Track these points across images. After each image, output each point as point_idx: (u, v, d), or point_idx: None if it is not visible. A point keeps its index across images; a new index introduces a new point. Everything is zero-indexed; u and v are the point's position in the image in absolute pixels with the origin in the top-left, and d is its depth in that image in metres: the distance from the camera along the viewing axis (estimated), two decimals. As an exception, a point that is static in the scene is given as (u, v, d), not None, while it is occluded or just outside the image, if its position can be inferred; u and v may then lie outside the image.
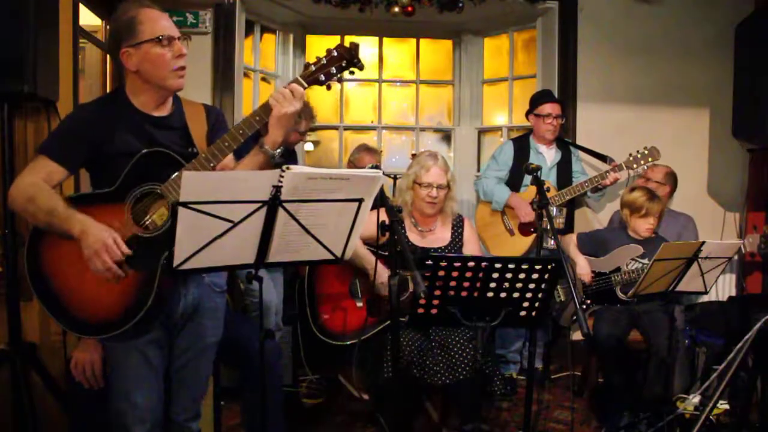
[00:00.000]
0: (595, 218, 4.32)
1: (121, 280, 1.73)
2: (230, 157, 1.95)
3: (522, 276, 2.11)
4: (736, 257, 3.83)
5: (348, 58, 1.87)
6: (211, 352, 2.06)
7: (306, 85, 1.87)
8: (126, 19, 1.82)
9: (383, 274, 2.68)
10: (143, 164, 1.78)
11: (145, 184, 1.79)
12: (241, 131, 1.83)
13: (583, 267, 3.31)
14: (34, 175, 1.78)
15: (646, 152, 3.56)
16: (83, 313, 1.80)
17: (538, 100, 3.83)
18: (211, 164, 1.82)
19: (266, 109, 1.85)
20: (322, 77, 1.88)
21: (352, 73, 1.90)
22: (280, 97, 1.82)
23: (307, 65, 1.89)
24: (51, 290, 1.81)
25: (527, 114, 3.88)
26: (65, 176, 1.83)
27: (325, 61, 1.87)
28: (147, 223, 1.80)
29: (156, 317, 1.84)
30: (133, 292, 1.76)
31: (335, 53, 1.87)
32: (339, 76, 1.89)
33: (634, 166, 3.57)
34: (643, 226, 3.27)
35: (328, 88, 1.92)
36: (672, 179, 3.74)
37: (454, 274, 2.08)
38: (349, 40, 4.82)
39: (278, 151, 1.87)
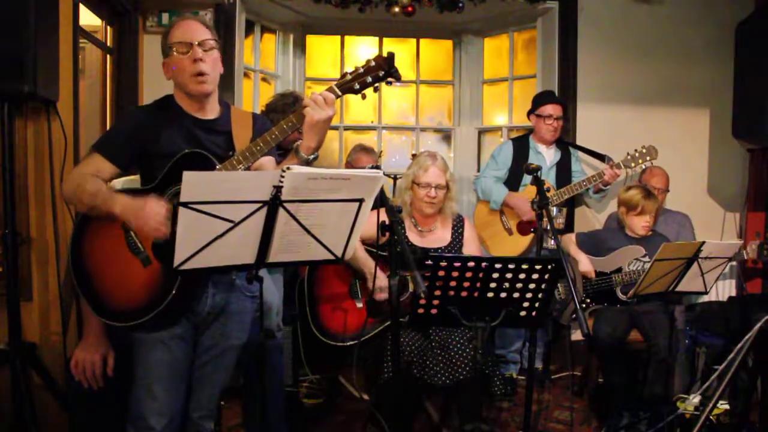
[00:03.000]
0: (595, 218, 4.32)
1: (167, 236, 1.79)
2: (272, 161, 2.03)
3: (522, 276, 2.11)
4: (736, 263, 3.84)
5: (386, 69, 1.90)
6: (233, 354, 2.09)
7: (340, 93, 1.91)
8: (163, 34, 1.95)
9: (382, 279, 2.68)
10: (182, 164, 1.84)
11: (180, 183, 1.82)
12: (273, 136, 1.89)
13: (585, 264, 3.32)
14: (84, 168, 1.94)
15: (644, 151, 3.57)
16: (114, 303, 1.88)
17: (539, 100, 3.83)
18: (241, 166, 1.87)
19: (299, 116, 1.89)
20: (357, 86, 1.91)
21: (389, 83, 1.94)
22: (313, 104, 1.86)
23: (344, 74, 1.93)
24: (88, 277, 1.90)
25: (528, 114, 3.88)
26: (114, 172, 1.94)
27: (362, 70, 1.91)
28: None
29: (181, 311, 1.90)
30: (159, 283, 1.83)
31: (373, 63, 1.90)
32: (375, 85, 1.91)
33: (632, 165, 3.58)
34: (639, 224, 3.29)
35: (363, 97, 1.96)
36: (669, 182, 3.77)
37: (454, 274, 2.08)
38: (349, 40, 4.90)
39: (312, 156, 1.91)
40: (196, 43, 1.90)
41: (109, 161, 1.92)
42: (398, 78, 1.92)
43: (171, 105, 1.99)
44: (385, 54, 1.92)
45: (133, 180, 2.05)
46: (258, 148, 1.88)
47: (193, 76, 1.90)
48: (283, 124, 1.90)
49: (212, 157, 1.89)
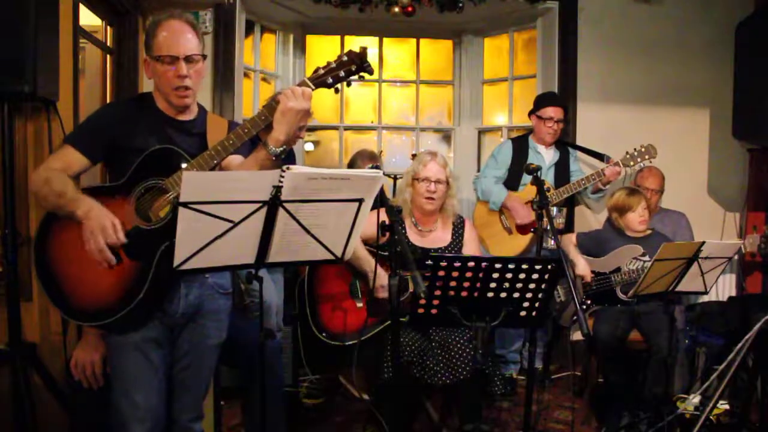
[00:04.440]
0: (594, 218, 4.32)
1: (113, 266, 1.76)
2: (239, 158, 1.99)
3: (522, 276, 2.11)
4: (736, 257, 3.84)
5: (358, 63, 1.89)
6: (213, 354, 2.07)
7: (313, 87, 1.89)
8: (149, 30, 1.90)
9: (382, 276, 2.68)
10: (152, 161, 1.82)
11: (150, 179, 1.83)
12: (245, 130, 1.86)
13: (583, 268, 3.32)
14: (55, 162, 1.87)
15: (642, 150, 3.57)
16: (81, 300, 1.83)
17: (541, 101, 3.82)
18: (215, 161, 1.85)
19: (271, 108, 1.86)
20: (330, 80, 1.89)
21: (361, 78, 1.92)
22: (290, 92, 1.83)
23: (317, 69, 1.91)
24: (53, 277, 1.84)
25: (530, 114, 3.88)
26: (85, 165, 1.89)
27: (334, 65, 1.89)
28: (149, 215, 1.83)
29: (153, 310, 1.87)
30: (129, 281, 1.79)
31: (345, 58, 1.89)
32: (348, 80, 1.90)
33: (631, 164, 3.59)
34: (635, 220, 3.31)
35: (336, 91, 1.94)
36: (664, 182, 3.77)
37: (454, 274, 2.08)
38: (349, 40, 4.90)
39: (280, 149, 1.86)
40: (183, 57, 1.85)
41: (81, 153, 1.87)
42: (370, 72, 1.92)
43: (149, 103, 1.95)
44: (358, 50, 1.90)
45: None
46: (230, 142, 1.85)
47: (175, 89, 1.87)
48: (255, 118, 1.87)
49: (182, 152, 1.85)
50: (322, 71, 1.90)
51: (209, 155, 1.84)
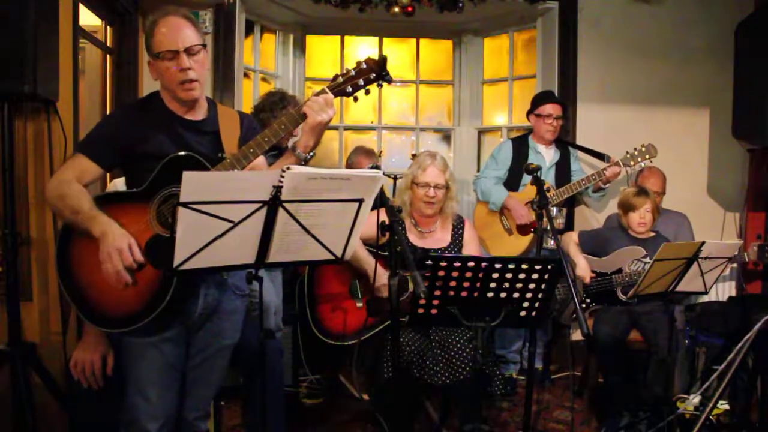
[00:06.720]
0: (594, 218, 4.32)
1: (129, 286, 1.75)
2: (263, 159, 2.00)
3: (522, 276, 2.11)
4: (735, 264, 3.84)
5: (377, 71, 1.89)
6: (226, 354, 2.07)
7: (332, 96, 1.90)
8: (147, 31, 1.88)
9: (383, 276, 2.68)
10: (172, 167, 1.81)
11: (171, 186, 1.82)
12: (266, 139, 1.87)
13: (583, 268, 3.31)
14: (68, 172, 1.87)
15: (643, 149, 3.57)
16: (105, 307, 1.83)
17: (539, 100, 3.84)
18: (235, 169, 1.84)
19: (292, 118, 1.87)
20: (349, 89, 1.90)
21: (380, 85, 1.92)
22: (316, 105, 1.85)
23: (335, 76, 1.91)
24: (76, 283, 1.85)
25: (528, 114, 3.89)
26: (99, 174, 1.90)
27: (353, 73, 1.90)
28: (169, 223, 1.82)
29: (175, 315, 1.87)
30: (153, 288, 1.79)
31: (364, 66, 1.89)
32: (367, 88, 1.90)
33: (631, 163, 3.59)
34: (635, 221, 3.31)
35: (355, 99, 1.95)
36: (665, 183, 3.77)
37: (454, 274, 2.08)
38: (349, 40, 4.90)
39: (310, 154, 1.91)
40: (183, 49, 1.83)
41: (94, 162, 1.86)
42: (389, 81, 1.92)
43: (157, 104, 1.94)
44: (376, 57, 1.90)
45: None
46: (251, 151, 1.85)
47: (181, 83, 1.85)
48: (276, 127, 1.87)
49: (202, 159, 1.85)
50: (341, 79, 1.90)
51: (230, 163, 1.84)
